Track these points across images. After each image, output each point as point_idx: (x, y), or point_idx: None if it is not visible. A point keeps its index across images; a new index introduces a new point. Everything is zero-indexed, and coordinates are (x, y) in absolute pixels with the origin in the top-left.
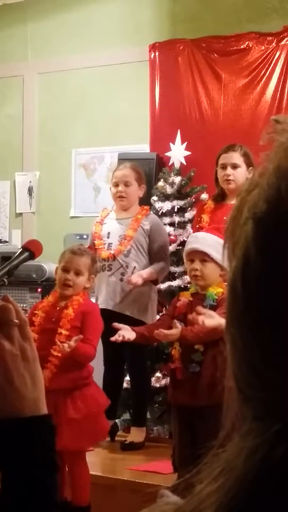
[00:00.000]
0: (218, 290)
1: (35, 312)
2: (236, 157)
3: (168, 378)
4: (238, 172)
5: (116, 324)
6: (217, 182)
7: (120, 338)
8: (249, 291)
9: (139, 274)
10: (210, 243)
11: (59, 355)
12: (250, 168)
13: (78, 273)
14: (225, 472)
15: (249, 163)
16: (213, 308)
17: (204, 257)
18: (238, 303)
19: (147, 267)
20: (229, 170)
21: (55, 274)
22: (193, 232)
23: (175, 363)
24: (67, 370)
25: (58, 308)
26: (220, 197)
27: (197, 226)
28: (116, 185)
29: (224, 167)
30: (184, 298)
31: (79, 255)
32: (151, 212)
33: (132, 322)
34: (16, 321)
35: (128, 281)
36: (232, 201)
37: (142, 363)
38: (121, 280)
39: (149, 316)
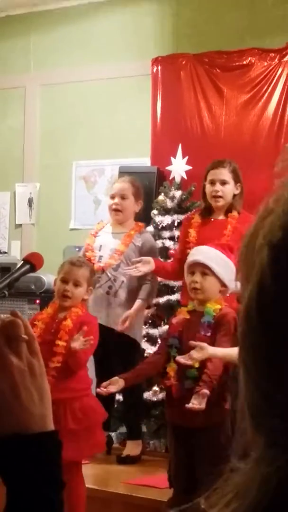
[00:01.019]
0: (216, 306)
1: (35, 323)
2: (225, 173)
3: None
4: (226, 188)
5: (104, 384)
6: (205, 197)
7: (105, 391)
8: (264, 317)
9: (129, 314)
10: (212, 256)
11: (59, 365)
12: (238, 184)
13: (77, 284)
14: (238, 498)
15: (236, 179)
16: (211, 326)
17: (205, 270)
18: (252, 329)
19: (135, 282)
20: (218, 186)
21: (53, 285)
22: (179, 247)
23: (170, 381)
24: (66, 381)
25: (57, 320)
26: (207, 212)
27: (186, 240)
28: (113, 197)
29: (213, 182)
30: (181, 315)
31: (78, 266)
32: (146, 230)
33: (117, 336)
34: (25, 336)
35: (120, 329)
36: (220, 217)
37: None
38: (108, 293)
39: (135, 331)
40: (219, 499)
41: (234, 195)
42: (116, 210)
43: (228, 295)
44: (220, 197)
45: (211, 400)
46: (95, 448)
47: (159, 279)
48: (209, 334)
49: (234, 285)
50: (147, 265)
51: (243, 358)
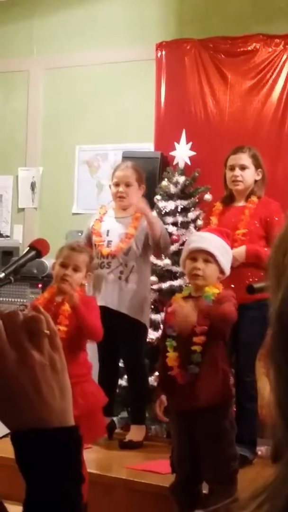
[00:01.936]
0: (214, 290)
1: None
2: (244, 158)
3: None
4: (246, 174)
5: None
6: (226, 184)
7: None
8: None
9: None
10: (216, 244)
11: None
12: (259, 169)
13: (76, 269)
14: (270, 500)
15: (257, 165)
16: (210, 308)
17: (208, 257)
18: (285, 330)
19: (145, 267)
20: (237, 171)
21: (52, 269)
22: None
23: (173, 370)
24: (67, 367)
25: (55, 304)
26: (229, 199)
27: (208, 227)
28: (117, 184)
29: (232, 168)
30: (176, 304)
31: (78, 251)
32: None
33: (128, 320)
34: (47, 331)
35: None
36: (240, 203)
37: (140, 360)
38: (120, 278)
39: (144, 316)
40: (249, 502)
41: (256, 181)
42: (121, 197)
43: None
44: (240, 181)
45: (217, 380)
46: (95, 433)
47: (162, 264)
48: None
49: (229, 271)
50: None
51: (274, 358)
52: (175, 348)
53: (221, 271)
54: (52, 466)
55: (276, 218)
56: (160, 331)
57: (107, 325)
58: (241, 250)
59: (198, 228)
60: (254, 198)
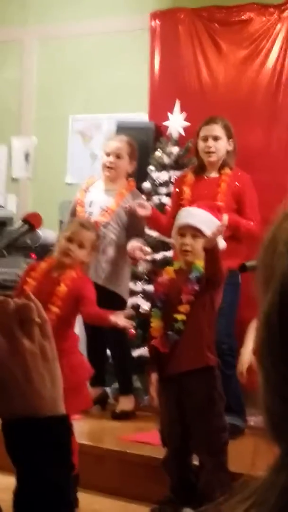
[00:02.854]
0: (203, 263)
1: (27, 279)
2: (217, 129)
3: None
4: (219, 144)
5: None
6: (198, 154)
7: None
8: (286, 325)
9: (132, 245)
10: (203, 219)
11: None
12: (230, 140)
13: (81, 246)
14: (257, 505)
15: (229, 135)
16: (199, 280)
17: (196, 232)
18: (273, 335)
19: (123, 240)
20: (210, 142)
21: (58, 241)
22: (172, 207)
23: (155, 340)
24: (55, 340)
25: (50, 278)
26: (200, 169)
27: (180, 198)
28: (108, 154)
29: (205, 139)
30: (167, 275)
31: (86, 228)
32: (136, 190)
33: (105, 292)
34: (38, 319)
35: (129, 254)
36: (212, 174)
37: (119, 331)
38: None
39: (122, 288)
40: (238, 505)
41: (227, 152)
42: (109, 167)
43: None
44: (213, 152)
45: (200, 344)
46: (82, 405)
47: (154, 235)
48: (196, 287)
49: (222, 245)
50: (144, 210)
51: (263, 363)
52: (161, 318)
53: None
54: (43, 455)
55: (248, 191)
56: None
57: None
58: (224, 218)
59: (171, 202)
60: (227, 170)
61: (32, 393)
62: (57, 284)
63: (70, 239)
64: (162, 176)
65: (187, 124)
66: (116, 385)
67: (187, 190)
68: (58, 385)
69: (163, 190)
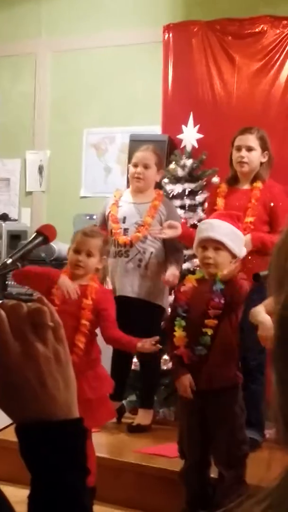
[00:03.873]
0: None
1: (52, 291)
2: (251, 139)
3: None
4: (252, 155)
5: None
6: (231, 164)
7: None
8: None
9: (173, 273)
10: (225, 231)
11: (82, 345)
12: (265, 152)
13: (89, 255)
14: (273, 507)
15: (264, 147)
16: (223, 292)
17: (218, 245)
18: (287, 338)
19: (162, 252)
20: (243, 152)
21: (67, 254)
22: (207, 216)
23: (180, 349)
24: (85, 353)
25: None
26: (233, 180)
27: (214, 208)
28: (136, 165)
29: (239, 149)
30: (189, 283)
31: (91, 236)
32: (166, 198)
33: (146, 306)
34: (51, 323)
35: (165, 282)
36: (245, 186)
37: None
38: (139, 266)
39: (164, 299)
40: (254, 506)
41: (261, 164)
42: (138, 178)
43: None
44: (246, 163)
45: (231, 363)
46: (107, 416)
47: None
48: (222, 301)
49: (243, 253)
50: (174, 230)
51: (277, 364)
52: (184, 328)
53: (233, 256)
54: (57, 459)
55: (280, 203)
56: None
57: (123, 314)
58: (247, 239)
59: (205, 211)
60: (259, 184)
61: (46, 397)
62: (83, 297)
63: (77, 251)
64: (176, 188)
65: (200, 136)
66: (132, 397)
67: (220, 201)
68: (72, 389)
69: (177, 202)
